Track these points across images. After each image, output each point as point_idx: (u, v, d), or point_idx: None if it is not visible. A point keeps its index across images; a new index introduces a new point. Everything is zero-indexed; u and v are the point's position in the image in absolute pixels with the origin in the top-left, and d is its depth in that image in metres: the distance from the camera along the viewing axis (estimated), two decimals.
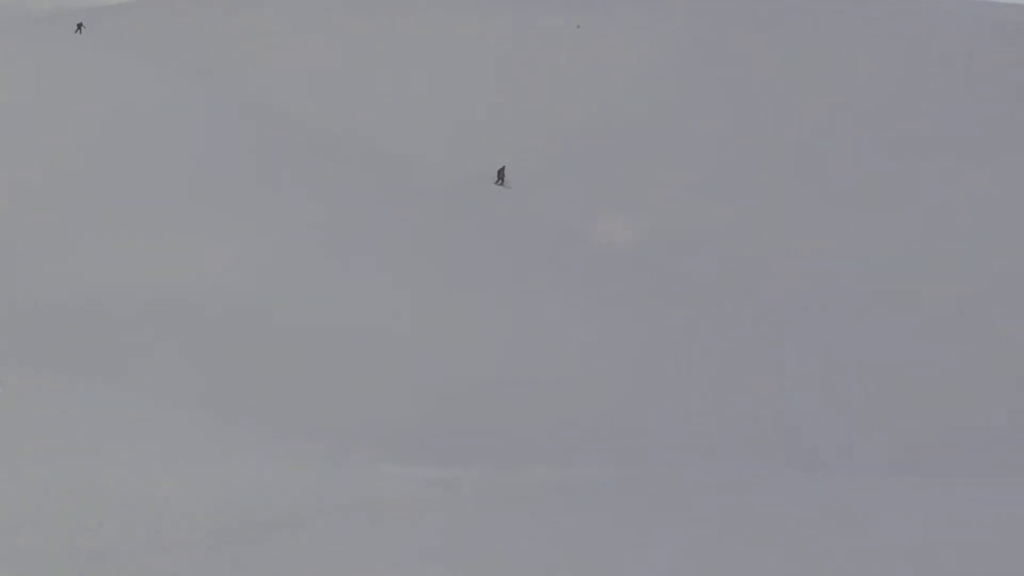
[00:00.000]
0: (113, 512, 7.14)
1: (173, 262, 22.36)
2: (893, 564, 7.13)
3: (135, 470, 7.99)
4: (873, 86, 42.07)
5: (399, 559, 6.76)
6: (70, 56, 39.28)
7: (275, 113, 37.90)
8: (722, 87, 43.59)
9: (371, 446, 11.74)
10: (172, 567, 6.39)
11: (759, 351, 22.44)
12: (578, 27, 49.71)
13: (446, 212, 30.07)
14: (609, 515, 8.54)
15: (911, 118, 39.38)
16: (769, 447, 16.31)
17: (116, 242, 23.18)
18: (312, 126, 37.32)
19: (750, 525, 8.18)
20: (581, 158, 38.13)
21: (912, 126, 38.63)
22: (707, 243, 31.14)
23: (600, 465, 11.38)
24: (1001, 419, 17.82)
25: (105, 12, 57.94)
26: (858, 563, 7.06)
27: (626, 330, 22.54)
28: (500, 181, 35.67)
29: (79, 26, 51.94)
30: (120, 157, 28.44)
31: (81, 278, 21.15)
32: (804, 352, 22.33)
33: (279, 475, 8.72)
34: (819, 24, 47.28)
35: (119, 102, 33.21)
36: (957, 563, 7.20)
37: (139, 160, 28.44)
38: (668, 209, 33.93)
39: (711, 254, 30.22)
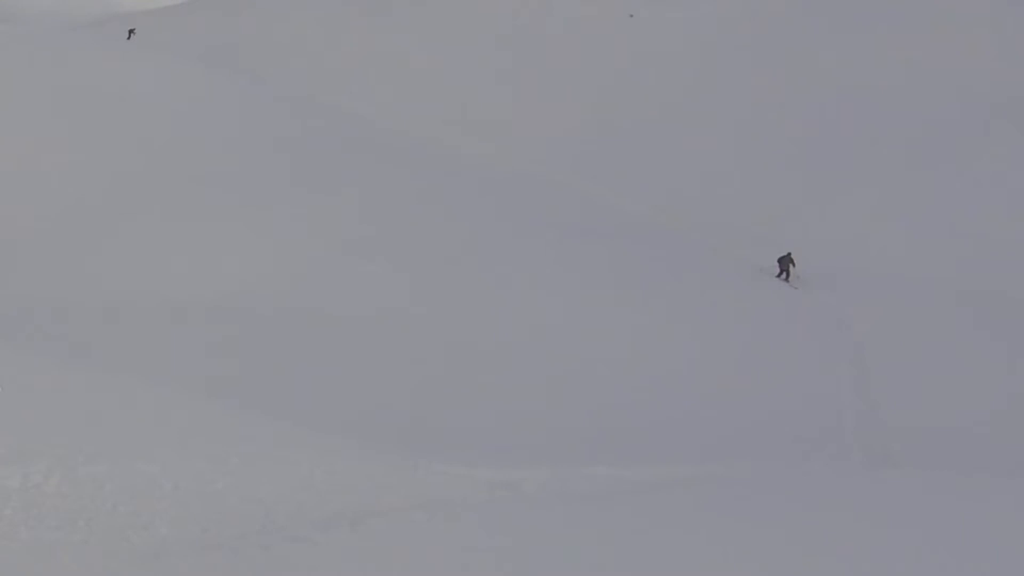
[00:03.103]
0: (165, 510, 7.05)
1: (206, 261, 22.29)
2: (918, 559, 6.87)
3: (187, 469, 7.90)
4: (892, 76, 41.43)
5: (463, 560, 6.56)
6: (102, 57, 39.34)
7: (312, 111, 37.91)
8: (738, 76, 43.09)
9: (422, 447, 11.57)
10: (223, 565, 6.28)
11: (788, 337, 21.81)
12: (631, 16, 49.17)
13: (481, 205, 29.55)
14: (673, 515, 8.32)
15: (930, 107, 38.77)
16: (806, 438, 15.85)
17: (143, 243, 23.18)
18: (349, 123, 37.30)
19: (792, 525, 7.91)
20: (594, 146, 37.85)
21: (930, 115, 38.03)
22: (725, 229, 30.63)
23: (652, 465, 11.15)
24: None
25: (150, 16, 58.23)
26: (889, 557, 6.81)
27: (653, 318, 21.73)
28: (784, 275, 26.40)
29: (130, 32, 51.21)
30: (155, 158, 28.43)
31: (109, 278, 21.17)
32: (835, 338, 21.78)
33: (332, 474, 8.57)
34: (845, 14, 46.70)
35: (154, 103, 33.19)
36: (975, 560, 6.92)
37: (171, 160, 28.46)
38: (681, 194, 33.44)
39: (730, 238, 29.74)
